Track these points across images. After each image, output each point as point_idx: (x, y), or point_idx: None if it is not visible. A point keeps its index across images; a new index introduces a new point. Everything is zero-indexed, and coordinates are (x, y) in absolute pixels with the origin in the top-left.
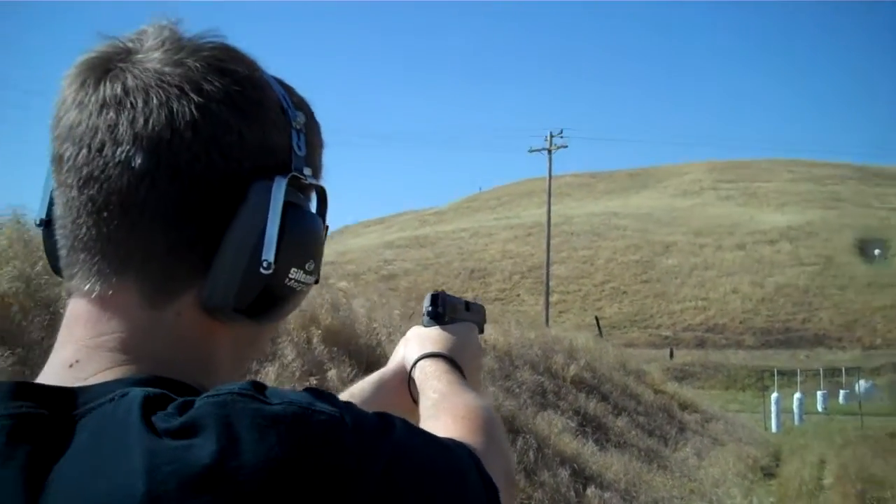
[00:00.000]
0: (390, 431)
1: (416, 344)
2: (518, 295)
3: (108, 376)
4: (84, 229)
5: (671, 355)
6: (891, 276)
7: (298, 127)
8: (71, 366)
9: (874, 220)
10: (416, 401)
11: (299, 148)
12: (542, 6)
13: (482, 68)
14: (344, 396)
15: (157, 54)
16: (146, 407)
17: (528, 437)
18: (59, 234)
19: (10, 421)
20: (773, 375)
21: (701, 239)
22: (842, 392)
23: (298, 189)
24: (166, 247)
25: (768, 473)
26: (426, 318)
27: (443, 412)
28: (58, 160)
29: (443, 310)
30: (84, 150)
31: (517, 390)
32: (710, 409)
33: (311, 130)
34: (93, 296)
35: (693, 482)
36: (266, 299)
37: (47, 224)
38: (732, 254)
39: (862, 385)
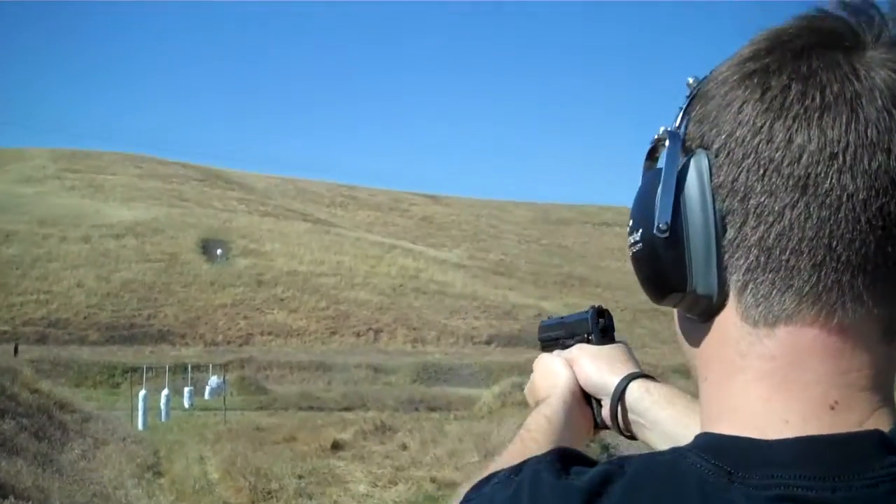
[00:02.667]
0: None
1: (604, 364)
2: None
3: (880, 423)
4: (857, 246)
5: (16, 351)
6: (231, 276)
7: None
8: (832, 408)
9: (216, 222)
10: (622, 428)
11: None
12: None
13: None
14: (546, 432)
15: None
16: None
17: None
18: (774, 246)
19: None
20: (137, 372)
21: (45, 229)
22: (208, 388)
23: None
24: None
25: (156, 472)
26: (597, 335)
27: None
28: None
29: (609, 325)
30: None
31: None
32: (85, 407)
33: None
34: (834, 325)
35: (93, 485)
36: None
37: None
38: (77, 246)
39: (214, 381)
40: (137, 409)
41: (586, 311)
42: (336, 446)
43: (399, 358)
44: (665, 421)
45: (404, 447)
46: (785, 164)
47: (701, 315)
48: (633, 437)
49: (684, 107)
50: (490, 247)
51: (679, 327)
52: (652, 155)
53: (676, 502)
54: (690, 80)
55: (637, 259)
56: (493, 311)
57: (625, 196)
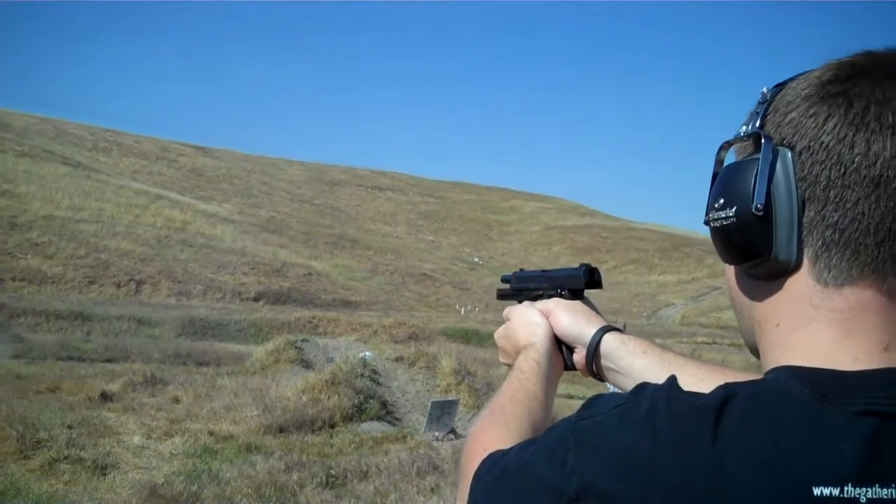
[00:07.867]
0: None
1: (581, 317)
2: None
3: None
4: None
5: None
6: None
7: None
8: (886, 349)
9: None
10: (595, 372)
11: None
12: None
13: None
14: (536, 373)
15: None
16: None
17: None
18: (847, 227)
19: (877, 420)
20: None
21: None
22: None
23: None
24: None
25: None
26: (578, 291)
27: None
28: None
29: (599, 282)
30: None
31: None
32: None
33: None
34: (885, 288)
35: None
36: None
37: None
38: None
39: None
40: None
41: (577, 268)
42: (104, 397)
43: (163, 311)
44: (639, 368)
45: (177, 400)
46: (863, 166)
47: (771, 276)
48: (601, 380)
49: (761, 112)
50: (261, 203)
51: (738, 285)
52: (727, 147)
53: (785, 417)
54: (764, 90)
55: (727, 230)
56: (263, 268)
57: (398, 162)
